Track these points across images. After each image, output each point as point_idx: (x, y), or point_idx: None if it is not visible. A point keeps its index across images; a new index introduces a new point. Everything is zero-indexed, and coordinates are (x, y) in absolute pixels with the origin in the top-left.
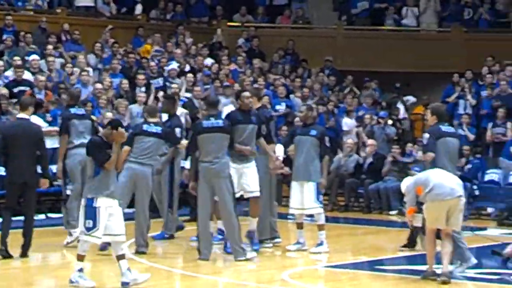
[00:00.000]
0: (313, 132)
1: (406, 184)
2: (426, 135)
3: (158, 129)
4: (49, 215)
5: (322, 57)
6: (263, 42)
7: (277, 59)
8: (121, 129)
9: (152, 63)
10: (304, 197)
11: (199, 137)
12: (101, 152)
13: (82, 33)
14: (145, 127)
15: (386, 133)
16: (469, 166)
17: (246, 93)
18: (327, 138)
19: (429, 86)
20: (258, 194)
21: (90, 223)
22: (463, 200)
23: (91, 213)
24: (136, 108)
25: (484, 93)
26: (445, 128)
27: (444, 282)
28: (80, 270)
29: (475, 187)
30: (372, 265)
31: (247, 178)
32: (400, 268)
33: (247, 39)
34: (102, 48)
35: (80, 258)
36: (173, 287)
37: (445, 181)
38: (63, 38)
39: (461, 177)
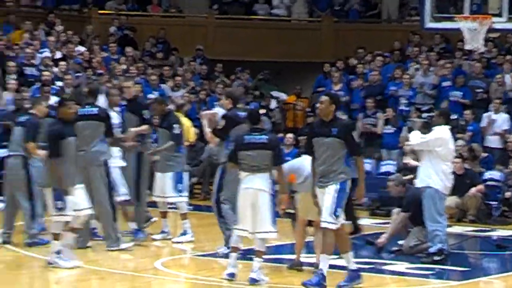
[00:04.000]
0: (165, 124)
1: None
2: (222, 122)
3: None
4: None
5: (193, 45)
6: (135, 31)
7: (149, 48)
8: None
9: (28, 50)
10: (164, 185)
11: (75, 125)
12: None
13: None
14: None
15: None
16: None
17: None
18: (175, 126)
19: (301, 76)
20: None
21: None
22: None
23: None
24: (7, 95)
25: (354, 83)
26: (242, 113)
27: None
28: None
29: None
30: (244, 254)
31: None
32: (269, 257)
33: (119, 27)
34: None
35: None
36: (48, 277)
37: None
38: None
39: None
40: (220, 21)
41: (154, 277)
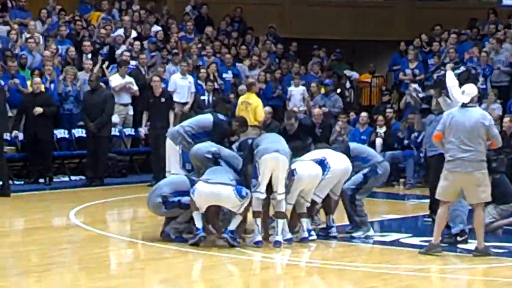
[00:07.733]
0: None
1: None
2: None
3: None
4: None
5: (268, 24)
6: (210, 10)
7: (224, 27)
8: None
9: (103, 31)
10: None
11: None
12: None
13: (28, 0)
14: None
15: (332, 102)
16: (415, 134)
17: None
18: None
19: (376, 54)
20: None
21: None
22: None
23: None
24: (83, 76)
25: (431, 61)
26: None
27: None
28: None
29: (422, 155)
30: None
31: None
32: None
33: (194, 6)
34: (48, 15)
35: None
36: None
37: None
38: (9, 5)
39: (408, 146)
40: (295, 0)
41: None
